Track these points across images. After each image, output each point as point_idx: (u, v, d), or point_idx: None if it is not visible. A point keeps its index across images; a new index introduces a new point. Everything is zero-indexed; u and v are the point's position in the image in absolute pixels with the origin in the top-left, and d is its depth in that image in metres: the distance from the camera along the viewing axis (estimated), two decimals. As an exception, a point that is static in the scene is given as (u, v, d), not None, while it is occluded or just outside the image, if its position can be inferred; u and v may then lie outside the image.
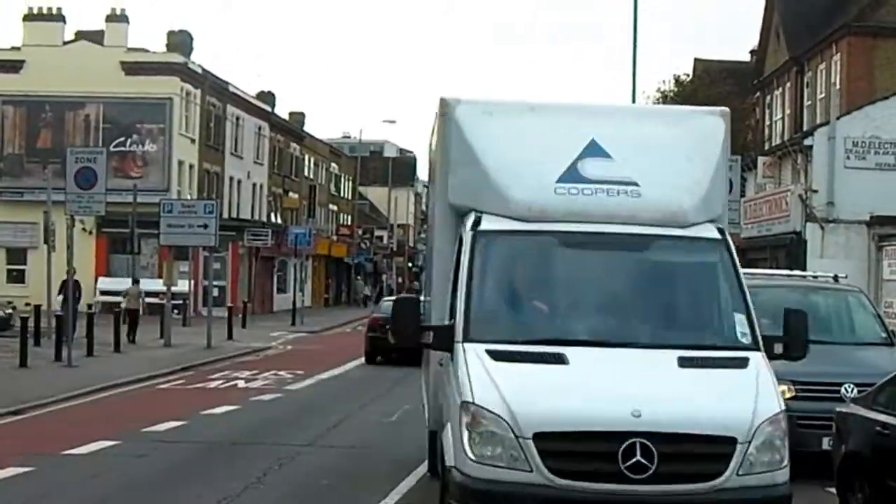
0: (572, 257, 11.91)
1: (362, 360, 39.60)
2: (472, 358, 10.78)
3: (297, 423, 23.08)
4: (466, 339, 11.05)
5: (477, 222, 11.76)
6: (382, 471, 17.34)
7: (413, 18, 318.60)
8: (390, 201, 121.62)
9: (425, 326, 12.01)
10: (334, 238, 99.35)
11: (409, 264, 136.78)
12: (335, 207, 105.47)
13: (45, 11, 66.65)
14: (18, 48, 66.46)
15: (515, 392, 10.32)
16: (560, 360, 10.73)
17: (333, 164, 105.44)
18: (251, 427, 22.32)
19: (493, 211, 11.86)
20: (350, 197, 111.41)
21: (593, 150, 11.91)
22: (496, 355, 10.76)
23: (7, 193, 64.49)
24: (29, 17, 66.67)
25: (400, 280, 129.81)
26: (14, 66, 65.46)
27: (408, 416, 24.87)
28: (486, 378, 10.49)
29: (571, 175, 11.73)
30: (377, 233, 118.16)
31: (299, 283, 69.88)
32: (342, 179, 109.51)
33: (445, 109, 12.92)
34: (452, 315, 11.63)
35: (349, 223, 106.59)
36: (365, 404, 26.73)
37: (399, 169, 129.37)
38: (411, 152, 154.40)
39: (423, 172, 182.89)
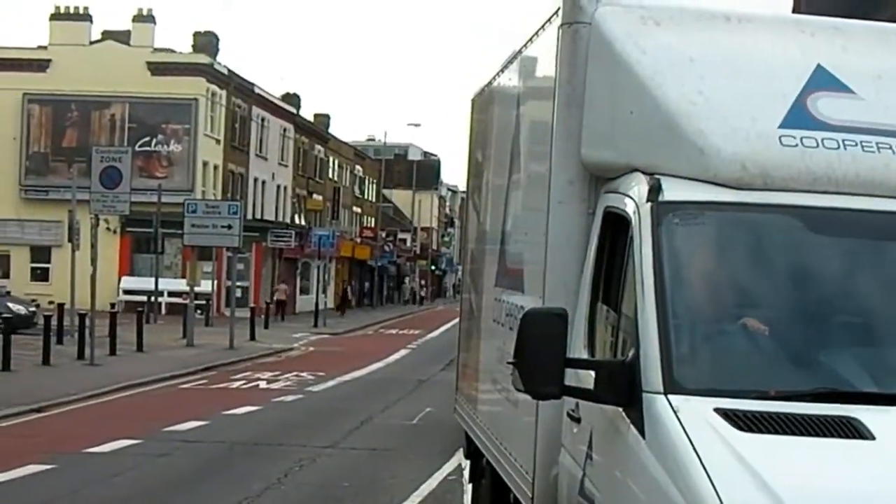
0: (825, 251, 7.34)
1: (383, 362, 39.80)
2: (695, 423, 5.98)
3: (319, 425, 23.06)
4: (671, 388, 6.26)
5: (656, 189, 7.05)
6: (404, 473, 17.32)
7: (440, 22, 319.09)
8: (414, 204, 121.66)
9: (577, 361, 7.11)
10: (357, 240, 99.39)
11: (433, 267, 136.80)
12: (359, 210, 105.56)
13: (72, 11, 66.90)
14: (45, 47, 66.72)
15: (807, 497, 5.56)
16: (856, 431, 5.97)
17: (358, 167, 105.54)
18: (272, 428, 22.31)
19: (677, 171, 7.22)
20: (374, 199, 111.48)
21: (824, 80, 7.49)
22: (740, 420, 5.99)
23: (32, 192, 64.71)
24: (56, 17, 66.93)
25: (423, 283, 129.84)
26: (41, 66, 65.68)
27: (430, 418, 24.86)
28: (735, 466, 5.68)
29: (799, 117, 7.26)
30: (400, 235, 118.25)
31: (322, 284, 69.93)
32: (366, 182, 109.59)
33: (576, 15, 8.18)
34: (592, 343, 7.66)
35: (372, 226, 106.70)
36: (386, 406, 26.69)
37: (423, 172, 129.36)
38: (435, 155, 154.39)
39: (447, 175, 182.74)
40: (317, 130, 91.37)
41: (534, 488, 8.21)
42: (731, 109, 7.28)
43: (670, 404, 6.13)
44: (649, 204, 7.01)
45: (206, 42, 70.22)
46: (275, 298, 56.93)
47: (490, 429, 10.61)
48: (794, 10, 57.28)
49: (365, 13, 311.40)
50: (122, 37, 66.96)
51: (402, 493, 15.62)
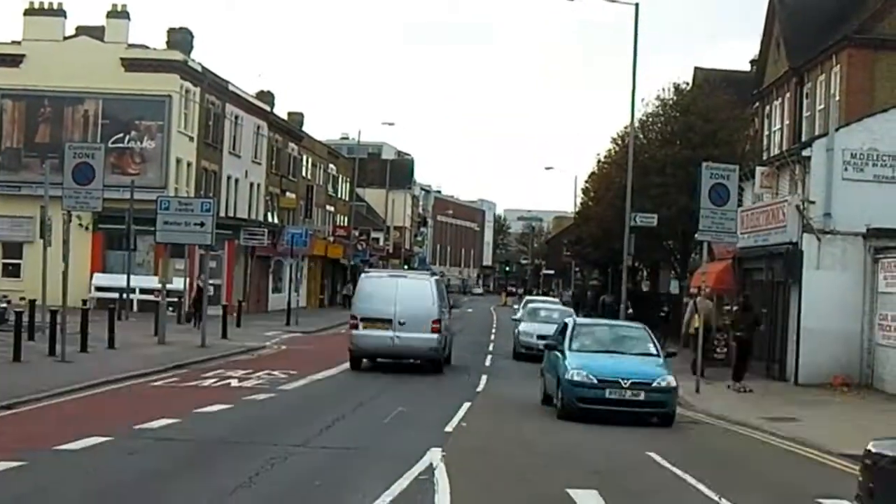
0: None
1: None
2: None
3: (290, 423, 23.05)
4: None
5: None
6: (375, 472, 17.30)
7: (414, 21, 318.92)
8: (387, 203, 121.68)
9: None
10: (331, 239, 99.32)
11: (405, 266, 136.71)
12: (332, 208, 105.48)
13: (45, 6, 66.66)
14: (19, 42, 66.50)
15: None
16: None
17: (331, 165, 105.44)
18: (244, 426, 22.28)
19: None
20: (347, 198, 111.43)
21: None
22: None
23: (4, 187, 64.50)
24: (30, 12, 66.66)
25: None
26: (14, 60, 65.52)
27: (402, 417, 24.92)
28: None
29: None
30: (373, 234, 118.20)
31: (295, 283, 69.83)
32: (340, 180, 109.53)
33: None
34: None
35: (346, 224, 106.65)
36: (359, 405, 26.70)
37: (397, 171, 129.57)
38: (409, 155, 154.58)
39: (421, 174, 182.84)
40: (290, 128, 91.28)
41: None
42: None
43: None
44: None
45: (180, 39, 70.03)
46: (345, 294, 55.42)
47: None
48: (769, 14, 57.51)
49: (339, 12, 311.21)
50: (96, 32, 66.75)
51: (373, 492, 15.59)
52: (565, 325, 30.29)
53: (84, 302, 40.96)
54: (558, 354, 27.77)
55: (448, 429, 23.32)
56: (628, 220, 50.20)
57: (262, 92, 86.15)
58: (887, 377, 35.33)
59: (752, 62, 64.61)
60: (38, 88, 64.35)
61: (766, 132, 56.78)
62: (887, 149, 37.58)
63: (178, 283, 50.80)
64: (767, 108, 56.81)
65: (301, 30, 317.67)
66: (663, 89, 61.99)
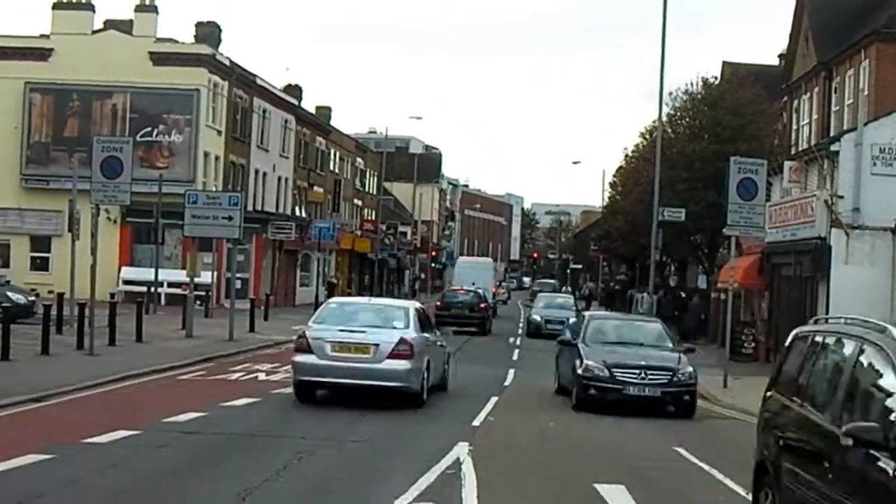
0: None
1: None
2: None
3: (318, 417, 23.07)
4: None
5: None
6: (402, 466, 17.31)
7: (442, 14, 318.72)
8: (415, 197, 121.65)
9: None
10: (358, 233, 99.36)
11: (433, 261, 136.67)
12: (360, 202, 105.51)
13: (74, 0, 66.77)
14: (47, 36, 66.67)
15: None
16: None
17: (359, 159, 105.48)
18: (271, 420, 22.32)
19: None
20: (375, 192, 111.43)
21: None
22: None
23: (33, 181, 64.71)
24: (58, 6, 66.82)
25: (423, 276, 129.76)
26: (43, 54, 65.69)
27: (429, 411, 24.89)
28: None
29: None
30: (401, 228, 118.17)
31: (322, 277, 69.86)
32: (367, 174, 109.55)
33: None
34: None
35: (373, 218, 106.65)
36: (386, 399, 26.67)
37: (424, 165, 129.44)
38: (437, 149, 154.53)
39: (448, 168, 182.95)
40: (318, 122, 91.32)
41: None
42: None
43: None
44: None
45: (209, 32, 70.15)
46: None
47: None
48: (797, 8, 57.07)
49: (366, 4, 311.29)
50: (125, 26, 66.93)
51: (400, 486, 15.60)
52: None
53: (112, 295, 41.08)
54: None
55: (475, 423, 23.33)
56: (656, 214, 50.11)
57: (289, 86, 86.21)
58: (916, 373, 35.13)
59: (781, 56, 64.33)
60: (66, 82, 64.55)
61: (794, 126, 56.53)
62: (917, 144, 37.37)
63: (205, 277, 50.87)
64: (796, 102, 56.56)
65: (329, 23, 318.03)
66: (691, 83, 61.78)
